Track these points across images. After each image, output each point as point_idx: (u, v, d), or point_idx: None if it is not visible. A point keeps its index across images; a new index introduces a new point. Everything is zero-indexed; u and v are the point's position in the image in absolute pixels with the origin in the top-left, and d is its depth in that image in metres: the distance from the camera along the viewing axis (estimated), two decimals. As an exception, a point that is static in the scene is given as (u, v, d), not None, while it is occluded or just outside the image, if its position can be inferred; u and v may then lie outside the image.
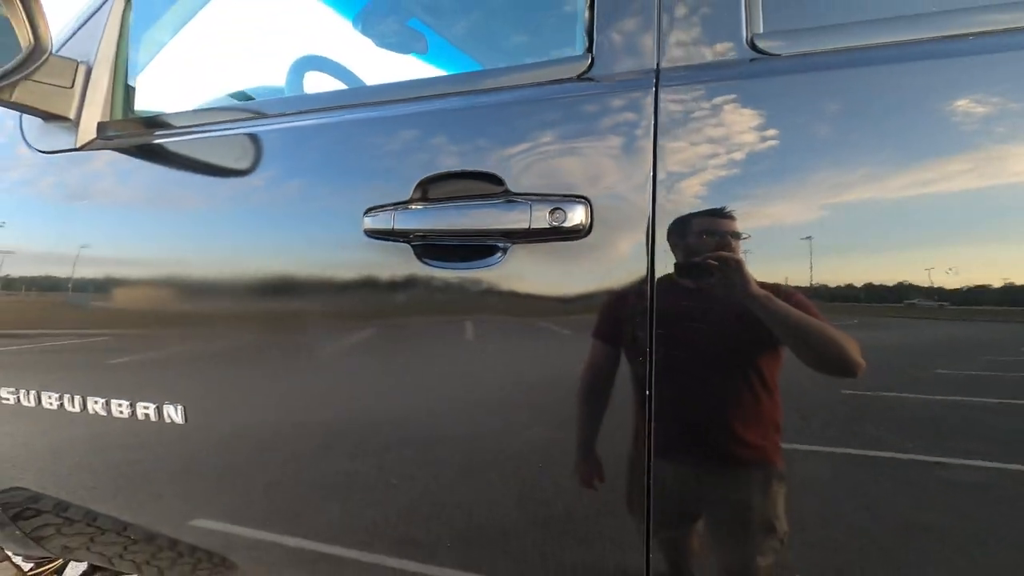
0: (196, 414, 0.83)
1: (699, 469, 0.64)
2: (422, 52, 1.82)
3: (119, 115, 0.95)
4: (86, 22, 0.95)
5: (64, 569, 1.50)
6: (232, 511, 0.91)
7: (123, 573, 1.34)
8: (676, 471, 0.63)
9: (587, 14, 0.69)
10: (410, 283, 0.70)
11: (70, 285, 0.90)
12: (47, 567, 1.43)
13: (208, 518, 0.93)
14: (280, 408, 0.80)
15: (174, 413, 0.84)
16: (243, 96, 1.20)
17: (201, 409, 0.84)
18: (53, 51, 0.87)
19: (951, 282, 0.52)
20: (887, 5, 0.63)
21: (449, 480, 0.73)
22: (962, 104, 0.54)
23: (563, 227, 0.62)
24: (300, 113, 0.83)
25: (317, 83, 1.35)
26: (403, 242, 0.69)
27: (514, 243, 0.65)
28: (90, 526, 1.06)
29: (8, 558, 1.33)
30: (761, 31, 0.62)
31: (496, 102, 0.70)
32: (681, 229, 0.59)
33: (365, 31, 1.66)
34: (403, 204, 0.69)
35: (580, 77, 0.67)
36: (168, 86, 1.07)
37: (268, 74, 1.27)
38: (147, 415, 0.85)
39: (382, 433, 0.76)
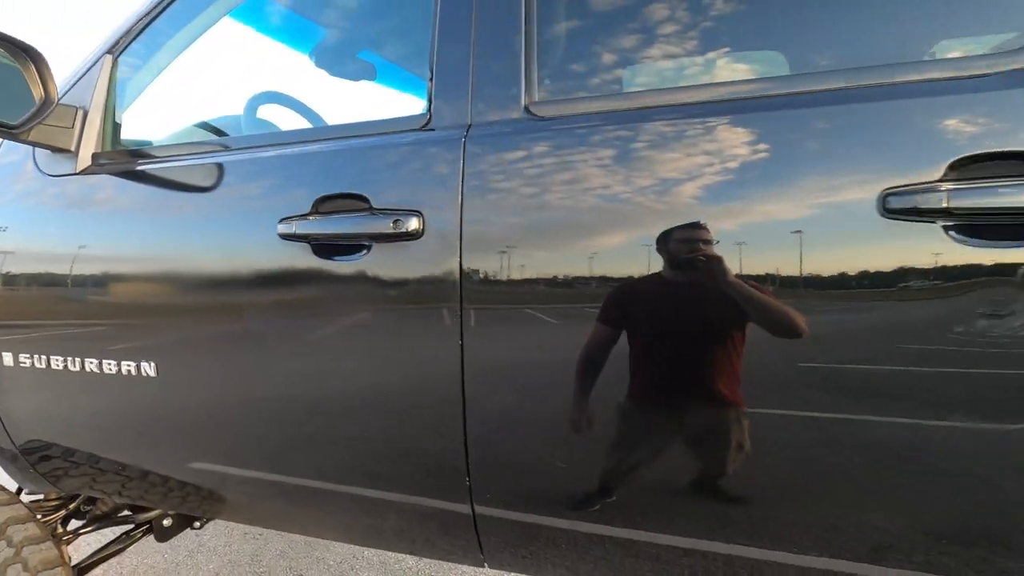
0: (164, 369, 1.14)
1: (508, 400, 0.94)
2: (371, 79, 2.12)
3: (108, 147, 1.26)
4: (83, 76, 1.25)
5: (68, 521, 1.79)
6: (204, 450, 1.21)
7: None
8: (485, 407, 0.93)
9: (429, 85, 0.99)
10: (309, 271, 1.01)
11: (69, 276, 1.20)
12: (54, 516, 1.72)
13: (187, 456, 1.23)
14: (219, 364, 1.11)
15: (149, 369, 1.14)
16: (207, 126, 1.50)
17: (168, 365, 1.14)
18: (58, 101, 1.17)
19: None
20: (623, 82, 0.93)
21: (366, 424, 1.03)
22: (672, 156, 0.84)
23: (404, 232, 0.92)
24: (239, 149, 1.14)
25: (273, 114, 1.65)
26: (304, 242, 1.00)
27: (376, 243, 0.96)
28: (93, 468, 1.35)
29: (20, 501, 1.62)
30: (535, 100, 0.93)
31: (367, 144, 1.01)
32: (477, 234, 0.90)
33: (320, 64, 1.97)
34: (303, 216, 0.99)
35: (422, 128, 0.98)
36: (146, 123, 1.37)
37: (232, 108, 1.57)
38: (129, 371, 1.15)
39: (296, 386, 1.07)
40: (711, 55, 0.91)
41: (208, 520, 1.94)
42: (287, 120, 1.75)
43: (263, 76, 1.78)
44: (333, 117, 1.86)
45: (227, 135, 1.52)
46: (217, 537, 2.67)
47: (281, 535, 2.66)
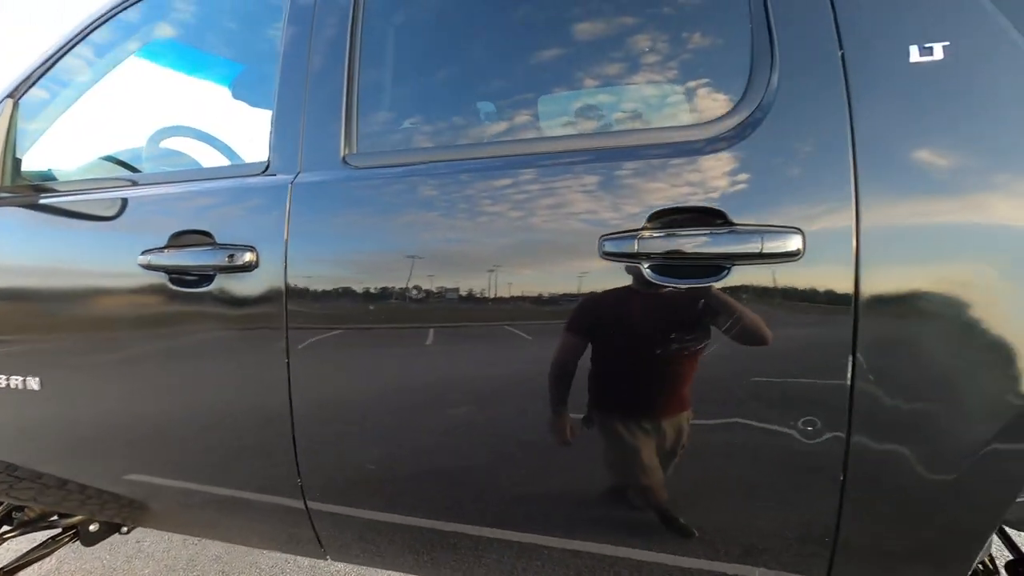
0: (48, 384, 1.27)
1: (327, 410, 1.08)
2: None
3: (8, 182, 1.39)
4: (-16, 120, 1.39)
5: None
6: (96, 459, 1.34)
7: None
8: (308, 415, 1.08)
9: (270, 136, 1.14)
10: (166, 297, 1.15)
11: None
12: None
13: (83, 464, 1.35)
14: (97, 380, 1.25)
15: (33, 383, 1.27)
16: (113, 159, 1.63)
17: (51, 380, 1.27)
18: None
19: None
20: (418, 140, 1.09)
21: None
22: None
23: (240, 264, 1.07)
24: (116, 187, 1.28)
25: (185, 146, 1.78)
26: (161, 272, 1.14)
27: (219, 273, 1.10)
28: (10, 476, 1.46)
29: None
30: (353, 152, 1.08)
31: (219, 187, 1.16)
32: (299, 265, 1.05)
33: (238, 96, 2.11)
34: (159, 249, 1.14)
35: (263, 174, 1.13)
36: (53, 157, 1.51)
37: (134, 141, 1.71)
38: (17, 385, 1.28)
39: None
40: (471, 128, 1.12)
41: (133, 526, 2.03)
42: (201, 151, 1.89)
43: (177, 109, 1.92)
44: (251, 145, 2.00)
45: (133, 167, 1.66)
46: (157, 543, 2.76)
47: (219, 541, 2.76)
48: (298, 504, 1.13)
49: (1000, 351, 0.76)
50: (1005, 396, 0.76)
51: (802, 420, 0.82)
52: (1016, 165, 0.76)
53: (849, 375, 0.79)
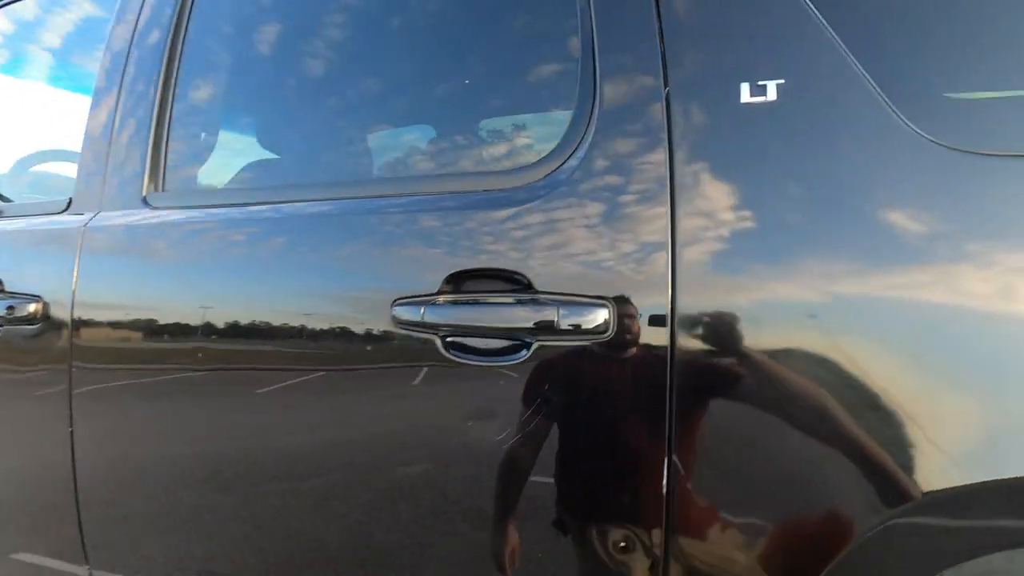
0: None
1: (110, 477, 0.94)
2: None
3: None
4: None
5: None
6: None
7: None
8: (92, 480, 0.94)
9: (77, 172, 1.02)
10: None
11: None
12: None
13: None
14: None
15: None
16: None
17: None
18: None
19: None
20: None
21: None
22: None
23: (21, 316, 0.94)
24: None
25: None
26: None
27: (6, 325, 0.97)
28: None
29: None
30: (156, 191, 0.96)
31: (16, 227, 1.04)
32: (88, 317, 0.92)
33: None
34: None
35: (63, 212, 1.01)
36: None
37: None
38: None
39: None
40: (278, 173, 1.04)
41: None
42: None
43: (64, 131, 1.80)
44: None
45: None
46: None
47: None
48: (83, 571, 0.98)
49: (857, 438, 0.60)
50: (876, 494, 0.60)
51: (609, 533, 0.67)
52: (864, 220, 0.62)
53: (665, 481, 0.65)
